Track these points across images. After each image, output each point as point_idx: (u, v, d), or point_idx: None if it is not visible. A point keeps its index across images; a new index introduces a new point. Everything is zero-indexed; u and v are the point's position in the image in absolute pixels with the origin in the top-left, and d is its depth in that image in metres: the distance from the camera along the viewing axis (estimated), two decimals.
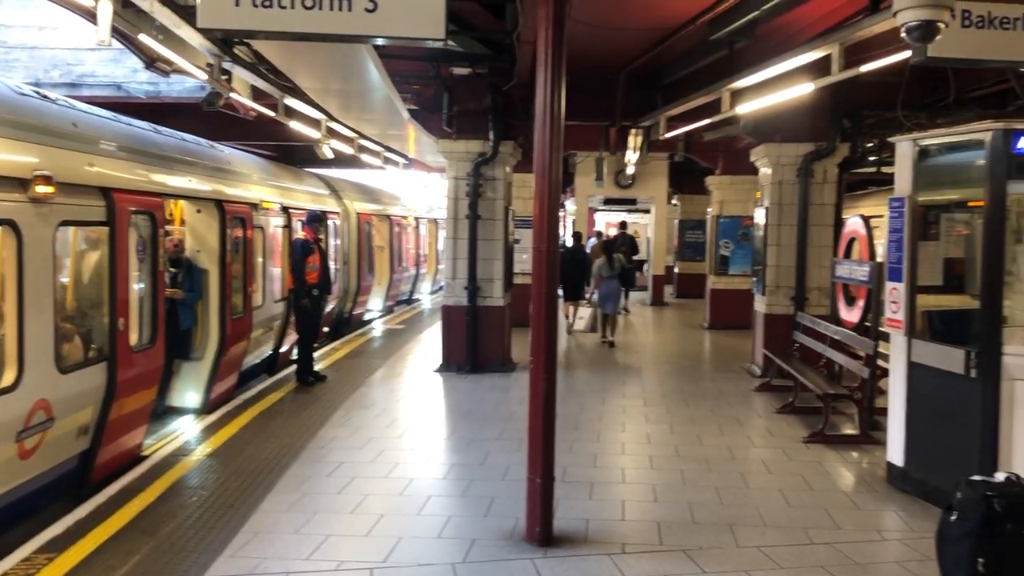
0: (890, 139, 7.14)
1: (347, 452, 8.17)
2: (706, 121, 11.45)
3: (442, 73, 11.78)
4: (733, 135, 12.93)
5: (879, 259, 9.11)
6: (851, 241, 10.15)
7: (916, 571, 5.44)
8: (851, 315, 9.82)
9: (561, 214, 22.44)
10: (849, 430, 9.10)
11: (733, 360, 14.28)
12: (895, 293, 7.04)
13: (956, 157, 6.86)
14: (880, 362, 8.89)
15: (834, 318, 10.61)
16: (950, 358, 6.40)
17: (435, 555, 5.73)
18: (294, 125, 12.52)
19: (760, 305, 12.76)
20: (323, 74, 10.57)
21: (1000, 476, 4.30)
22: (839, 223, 12.57)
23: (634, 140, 14.16)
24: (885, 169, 17.47)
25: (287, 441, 8.52)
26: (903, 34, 4.50)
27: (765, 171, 12.76)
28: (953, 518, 4.25)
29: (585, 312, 17.01)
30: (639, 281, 28.25)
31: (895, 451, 7.18)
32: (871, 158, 15.58)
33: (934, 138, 6.73)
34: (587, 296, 17.06)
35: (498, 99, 12.32)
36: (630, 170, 21.10)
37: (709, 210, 20.93)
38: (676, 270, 26.38)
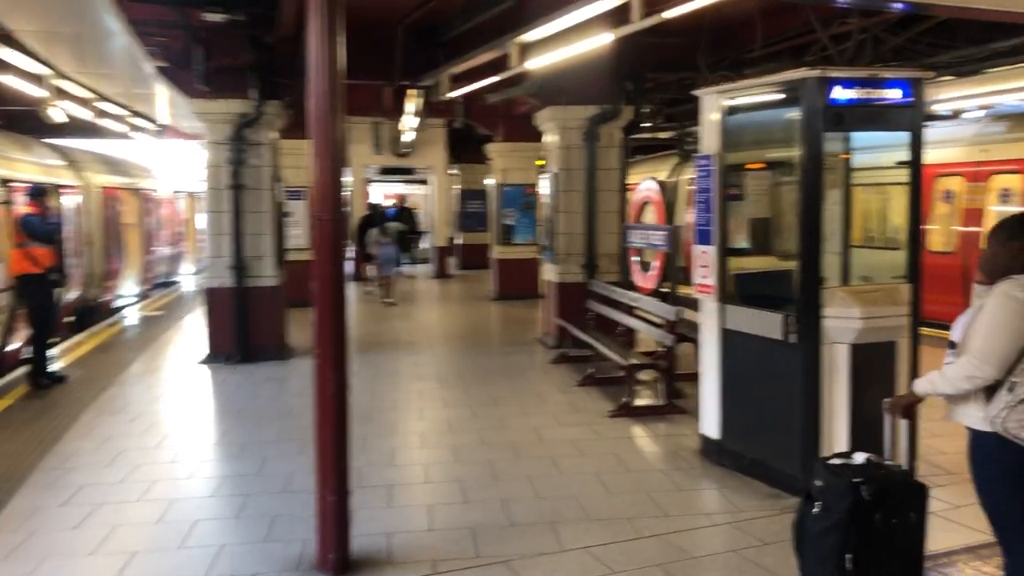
0: (694, 92, 6.70)
1: (90, 471, 6.75)
2: (494, 78, 10.70)
3: (192, 21, 10.24)
4: (518, 96, 12.30)
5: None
6: (644, 205, 9.82)
7: (754, 559, 4.98)
8: (647, 281, 9.50)
9: None
10: (652, 400, 8.76)
11: (525, 331, 13.81)
12: (704, 257, 6.62)
13: (763, 112, 6.51)
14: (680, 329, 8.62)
15: (628, 284, 10.30)
16: (767, 323, 6.05)
17: None
18: (8, 80, 10.49)
19: (551, 274, 12.30)
20: (45, 15, 8.80)
21: (859, 457, 3.84)
22: (624, 188, 12.37)
23: (413, 102, 13.21)
24: (661, 135, 17.75)
25: (12, 462, 6.94)
26: None
27: (552, 136, 12.25)
28: (816, 510, 3.74)
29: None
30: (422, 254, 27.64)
31: (709, 423, 6.81)
32: (644, 125, 15.63)
33: (742, 90, 6.31)
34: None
35: (261, 53, 10.94)
36: (407, 137, 20.11)
37: (489, 180, 20.47)
38: (458, 241, 25.78)
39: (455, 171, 25.87)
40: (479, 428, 7.89)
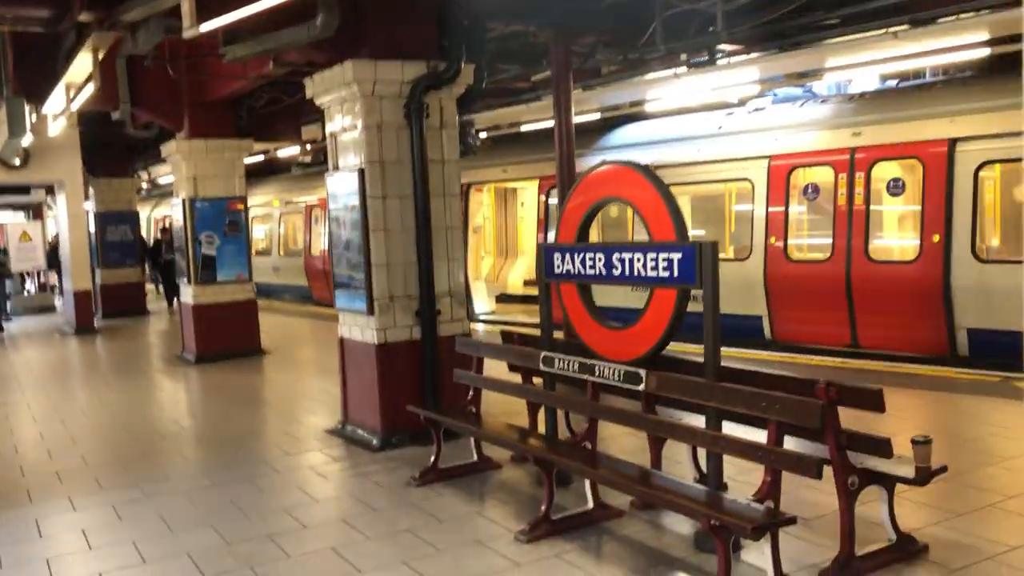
0: None
1: None
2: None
3: None
4: (295, 45, 7.49)
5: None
6: (598, 208, 5.76)
7: None
8: (629, 342, 5.45)
9: None
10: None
11: (296, 417, 9.01)
12: None
13: None
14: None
15: (545, 342, 6.16)
16: None
17: None
18: None
19: (362, 331, 7.73)
20: None
21: None
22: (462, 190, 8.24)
23: (92, 56, 7.78)
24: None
25: None
26: None
27: (348, 112, 7.71)
28: None
29: None
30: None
31: None
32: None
33: None
34: None
35: None
36: (29, 138, 13.75)
37: (173, 200, 14.86)
38: (98, 281, 19.26)
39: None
40: None
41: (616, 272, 5.46)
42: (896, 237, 10.91)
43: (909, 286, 9.90)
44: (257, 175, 22.52)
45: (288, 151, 18.93)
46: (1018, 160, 9.35)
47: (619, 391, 5.54)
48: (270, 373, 11.89)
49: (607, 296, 8.12)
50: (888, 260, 10.52)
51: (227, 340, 12.73)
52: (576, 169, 13.17)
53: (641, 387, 5.15)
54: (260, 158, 19.61)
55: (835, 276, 10.60)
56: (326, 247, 19.90)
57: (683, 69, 9.95)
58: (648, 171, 5.37)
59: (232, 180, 12.93)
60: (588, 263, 5.66)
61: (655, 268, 5.17)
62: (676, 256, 5.03)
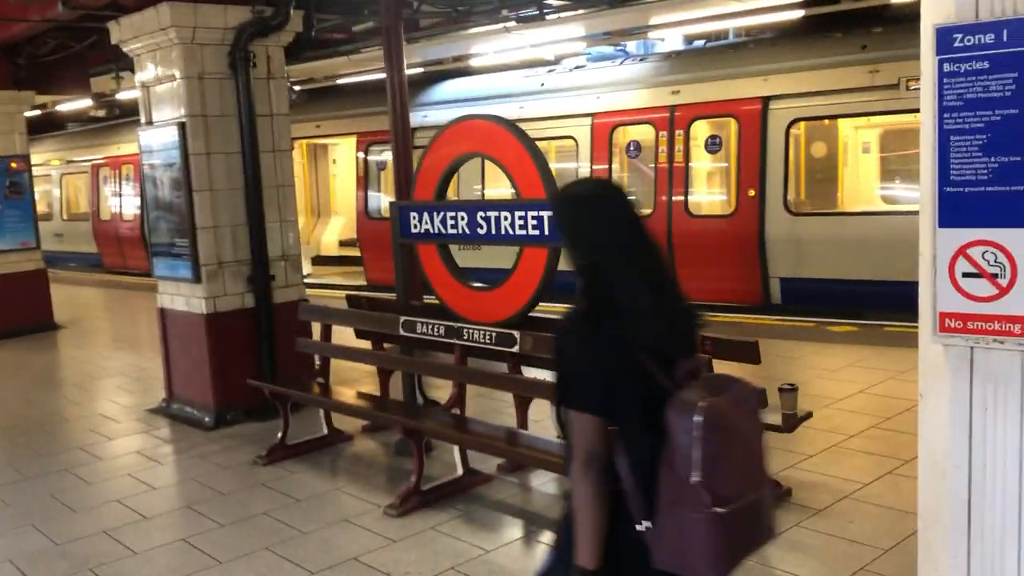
0: None
1: None
2: None
3: None
4: None
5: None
6: (454, 164, 5.50)
7: None
8: (496, 303, 5.28)
9: None
10: None
11: (100, 399, 8.23)
12: (999, 252, 2.96)
13: None
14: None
15: (401, 305, 5.90)
16: None
17: None
18: None
19: (188, 301, 7.10)
20: None
21: None
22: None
23: None
24: None
25: None
26: None
27: (165, 62, 6.98)
28: None
29: None
30: None
31: None
32: None
33: None
34: None
35: None
36: None
37: None
38: None
39: None
40: None
41: (481, 231, 5.27)
42: (714, 192, 11.34)
43: (727, 239, 10.33)
44: (31, 132, 20.36)
45: (73, 105, 17.16)
46: (825, 118, 9.95)
47: (486, 353, 5.38)
48: (69, 350, 10.82)
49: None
50: (707, 215, 10.93)
51: (14, 315, 11.44)
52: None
53: (515, 348, 5.00)
54: (36, 113, 17.64)
55: (657, 231, 10.88)
56: (119, 210, 18.40)
57: (512, 24, 9.80)
58: (513, 125, 5.19)
59: (11, 137, 11.56)
60: (449, 222, 5.44)
61: (524, 227, 5.02)
62: (547, 214, 4.89)
